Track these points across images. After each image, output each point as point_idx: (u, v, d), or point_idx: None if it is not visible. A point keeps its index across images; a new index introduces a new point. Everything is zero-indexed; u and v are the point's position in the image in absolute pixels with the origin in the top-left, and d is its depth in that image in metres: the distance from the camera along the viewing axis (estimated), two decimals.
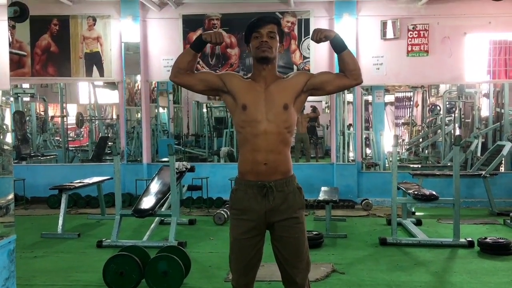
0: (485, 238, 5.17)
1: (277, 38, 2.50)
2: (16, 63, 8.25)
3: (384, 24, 7.91)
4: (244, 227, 2.49)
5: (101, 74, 8.33)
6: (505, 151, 7.31)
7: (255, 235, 2.49)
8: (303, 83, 2.55)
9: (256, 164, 2.44)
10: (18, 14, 3.76)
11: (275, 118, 2.45)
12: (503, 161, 8.14)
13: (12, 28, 8.09)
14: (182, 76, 2.52)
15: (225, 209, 6.85)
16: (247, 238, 2.49)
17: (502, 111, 9.08)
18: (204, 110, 13.82)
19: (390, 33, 7.89)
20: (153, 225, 5.84)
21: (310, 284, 2.65)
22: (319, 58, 8.08)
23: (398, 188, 5.90)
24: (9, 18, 4.30)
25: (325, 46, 8.01)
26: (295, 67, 8.08)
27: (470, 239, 5.30)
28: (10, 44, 7.86)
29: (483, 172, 7.19)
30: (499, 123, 9.19)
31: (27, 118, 10.91)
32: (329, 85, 2.58)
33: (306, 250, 2.55)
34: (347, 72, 2.53)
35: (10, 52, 7.11)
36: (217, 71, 8.16)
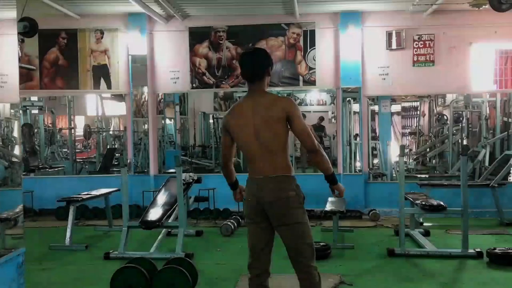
0: (494, 249, 5.12)
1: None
2: (24, 76, 8.35)
3: (389, 35, 7.93)
4: None
5: (109, 86, 8.40)
6: None
7: None
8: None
9: None
10: (27, 29, 3.82)
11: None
12: (511, 171, 8.07)
13: (21, 42, 8.20)
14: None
15: (232, 220, 6.85)
16: None
17: (510, 120, 9.03)
18: (211, 121, 13.85)
19: (395, 44, 7.91)
20: (160, 237, 5.85)
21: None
22: (325, 68, 8.10)
23: (406, 199, 5.87)
24: (19, 33, 4.37)
25: (330, 57, 8.06)
26: (300, 77, 8.11)
27: (479, 249, 5.26)
28: (19, 59, 7.97)
29: (491, 182, 7.14)
30: (506, 132, 9.14)
31: (36, 130, 10.99)
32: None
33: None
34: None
35: (20, 67, 7.22)
36: (223, 82, 8.21)
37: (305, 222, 2.91)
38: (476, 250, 5.26)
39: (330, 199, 6.79)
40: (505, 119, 9.40)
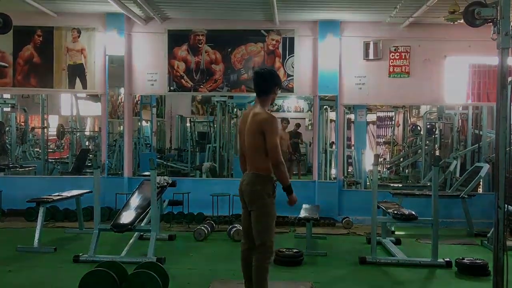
0: (463, 259, 5.22)
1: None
2: None
3: (366, 45, 8.04)
4: None
5: (84, 86, 8.27)
6: (483, 173, 7.43)
7: None
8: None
9: None
10: (1, 25, 3.73)
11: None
12: (481, 182, 8.26)
13: None
14: None
15: (205, 225, 6.81)
16: None
17: (480, 133, 9.25)
18: (188, 124, 13.79)
19: (372, 54, 8.03)
20: (132, 240, 5.77)
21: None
22: (303, 76, 8.16)
23: (378, 207, 5.94)
24: None
25: (308, 64, 8.13)
26: None
27: (448, 259, 5.36)
28: None
29: (462, 193, 7.28)
30: (477, 144, 9.37)
31: (7, 128, 10.74)
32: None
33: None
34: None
35: None
36: (201, 86, 8.19)
37: (262, 210, 3.60)
38: (445, 259, 5.36)
39: (304, 206, 6.82)
40: (476, 131, 9.62)
